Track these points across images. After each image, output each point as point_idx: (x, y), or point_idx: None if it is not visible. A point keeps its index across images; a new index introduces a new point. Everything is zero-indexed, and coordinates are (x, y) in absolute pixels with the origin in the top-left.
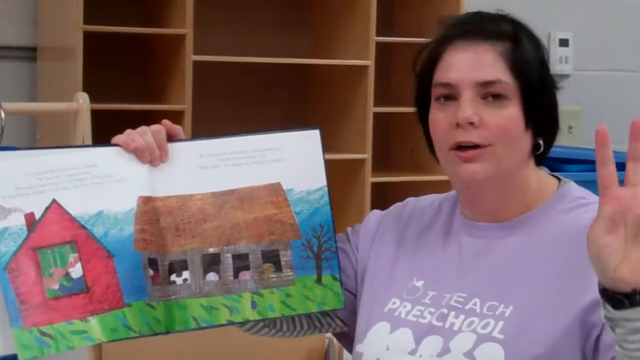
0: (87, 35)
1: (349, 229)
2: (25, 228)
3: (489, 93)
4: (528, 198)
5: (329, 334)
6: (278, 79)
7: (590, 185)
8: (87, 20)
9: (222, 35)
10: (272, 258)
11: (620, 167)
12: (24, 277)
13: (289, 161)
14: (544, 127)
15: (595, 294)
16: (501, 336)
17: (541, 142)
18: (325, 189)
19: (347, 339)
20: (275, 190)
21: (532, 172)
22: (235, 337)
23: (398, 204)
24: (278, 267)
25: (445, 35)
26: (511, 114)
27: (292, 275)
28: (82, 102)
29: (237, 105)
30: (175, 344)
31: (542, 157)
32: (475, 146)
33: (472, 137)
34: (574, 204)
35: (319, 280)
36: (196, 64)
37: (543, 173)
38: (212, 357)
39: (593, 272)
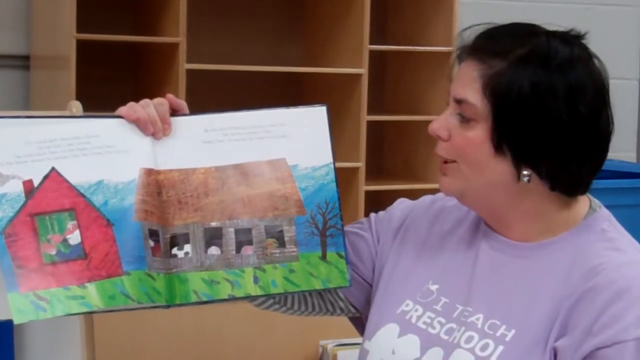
0: (80, 44)
1: (372, 215)
2: (23, 195)
3: (460, 111)
4: (544, 224)
5: (323, 341)
6: (272, 87)
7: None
8: (80, 29)
9: (215, 43)
10: (275, 233)
11: (614, 175)
12: (21, 243)
13: (294, 137)
14: (529, 158)
15: (567, 340)
16: None
17: (526, 172)
18: (331, 165)
19: (363, 326)
20: (279, 165)
21: (541, 199)
22: (232, 340)
23: (428, 197)
24: (282, 243)
25: (458, 48)
26: (474, 136)
27: (296, 251)
28: (75, 110)
29: None
30: (170, 344)
31: (569, 186)
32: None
33: (440, 149)
34: (597, 237)
35: (323, 257)
36: (189, 72)
37: (573, 201)
38: None
39: (580, 315)
